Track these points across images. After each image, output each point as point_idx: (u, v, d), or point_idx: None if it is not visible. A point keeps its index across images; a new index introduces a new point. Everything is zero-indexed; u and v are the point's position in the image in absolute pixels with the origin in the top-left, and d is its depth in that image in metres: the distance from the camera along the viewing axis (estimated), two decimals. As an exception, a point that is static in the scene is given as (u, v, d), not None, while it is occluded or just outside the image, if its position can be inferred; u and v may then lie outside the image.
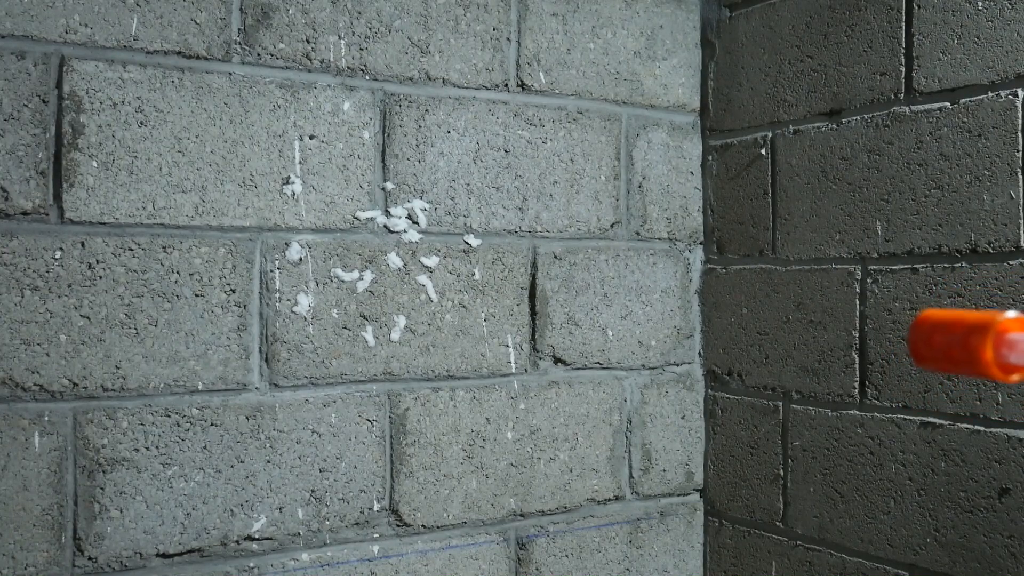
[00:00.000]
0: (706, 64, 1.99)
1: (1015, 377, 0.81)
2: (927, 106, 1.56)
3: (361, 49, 1.63)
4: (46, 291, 1.38)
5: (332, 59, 1.60)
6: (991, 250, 1.46)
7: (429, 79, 1.69)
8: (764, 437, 1.85)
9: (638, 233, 1.91)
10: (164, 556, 1.46)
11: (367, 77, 1.63)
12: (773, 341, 1.83)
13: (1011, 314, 0.80)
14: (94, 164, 1.42)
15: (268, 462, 1.54)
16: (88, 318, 1.41)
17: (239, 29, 1.53)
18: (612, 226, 1.88)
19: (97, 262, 1.42)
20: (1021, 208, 1.43)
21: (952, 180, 1.52)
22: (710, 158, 1.98)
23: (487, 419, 1.74)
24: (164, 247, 1.47)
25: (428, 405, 1.69)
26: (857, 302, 1.67)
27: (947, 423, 1.52)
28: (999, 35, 1.45)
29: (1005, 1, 1.45)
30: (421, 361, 1.68)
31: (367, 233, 1.63)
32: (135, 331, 1.44)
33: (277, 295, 1.55)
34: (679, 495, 1.96)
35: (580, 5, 1.84)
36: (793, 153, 1.79)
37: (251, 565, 1.53)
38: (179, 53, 1.48)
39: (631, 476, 1.90)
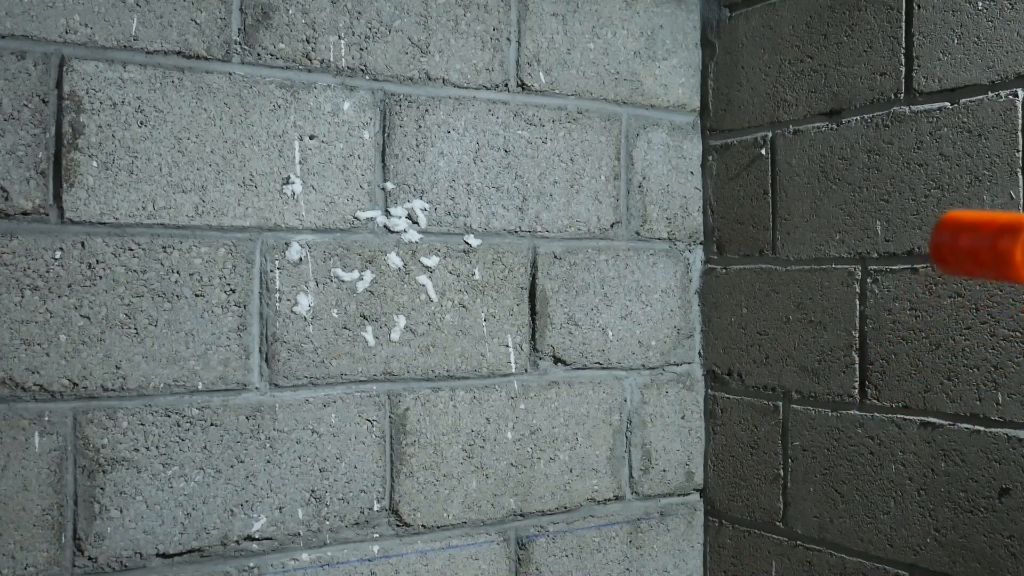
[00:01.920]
0: (706, 64, 1.99)
1: None
2: (927, 106, 1.56)
3: (361, 49, 1.63)
4: (46, 291, 1.38)
5: (332, 59, 1.60)
6: (991, 250, 1.46)
7: (429, 79, 1.69)
8: (764, 437, 1.85)
9: (638, 233, 1.91)
10: (164, 556, 1.46)
11: (367, 77, 1.63)
12: (773, 341, 1.83)
13: None
14: (94, 164, 1.42)
15: (268, 462, 1.54)
16: (88, 318, 1.41)
17: (239, 29, 1.53)
18: (612, 226, 1.88)
19: (97, 262, 1.42)
20: (1021, 208, 1.42)
21: (952, 180, 1.52)
22: (710, 158, 1.98)
23: (487, 419, 1.74)
24: (164, 247, 1.47)
25: (428, 405, 1.69)
26: (857, 302, 1.67)
27: (947, 423, 1.52)
28: (999, 35, 1.45)
29: (1005, 1, 1.45)
30: (421, 361, 1.68)
31: (367, 233, 1.63)
32: (135, 331, 1.44)
33: (277, 295, 1.55)
34: (679, 495, 1.96)
35: (580, 5, 1.84)
36: (793, 153, 1.79)
37: (251, 565, 1.53)
38: (179, 53, 1.48)
39: (631, 476, 1.90)
